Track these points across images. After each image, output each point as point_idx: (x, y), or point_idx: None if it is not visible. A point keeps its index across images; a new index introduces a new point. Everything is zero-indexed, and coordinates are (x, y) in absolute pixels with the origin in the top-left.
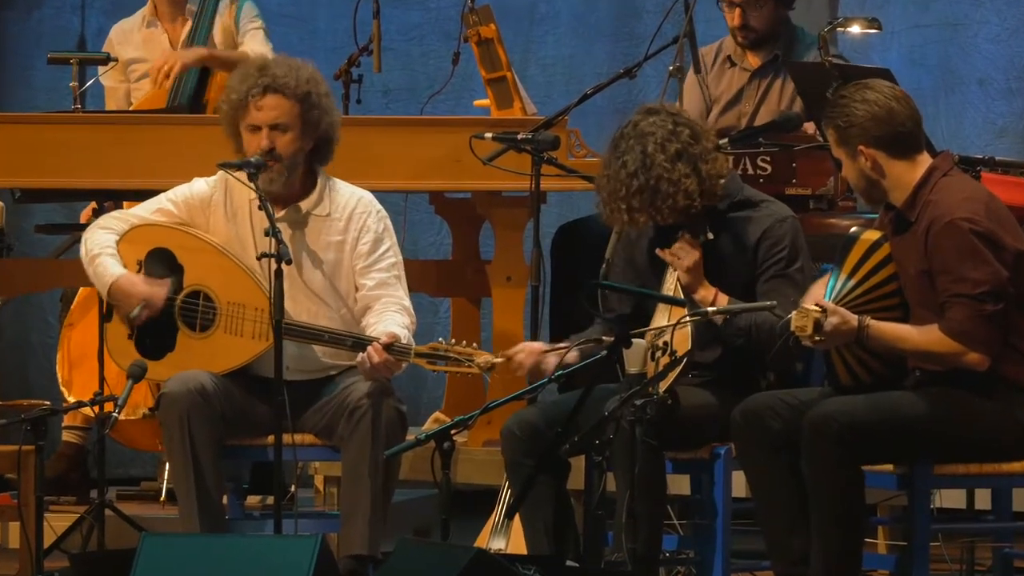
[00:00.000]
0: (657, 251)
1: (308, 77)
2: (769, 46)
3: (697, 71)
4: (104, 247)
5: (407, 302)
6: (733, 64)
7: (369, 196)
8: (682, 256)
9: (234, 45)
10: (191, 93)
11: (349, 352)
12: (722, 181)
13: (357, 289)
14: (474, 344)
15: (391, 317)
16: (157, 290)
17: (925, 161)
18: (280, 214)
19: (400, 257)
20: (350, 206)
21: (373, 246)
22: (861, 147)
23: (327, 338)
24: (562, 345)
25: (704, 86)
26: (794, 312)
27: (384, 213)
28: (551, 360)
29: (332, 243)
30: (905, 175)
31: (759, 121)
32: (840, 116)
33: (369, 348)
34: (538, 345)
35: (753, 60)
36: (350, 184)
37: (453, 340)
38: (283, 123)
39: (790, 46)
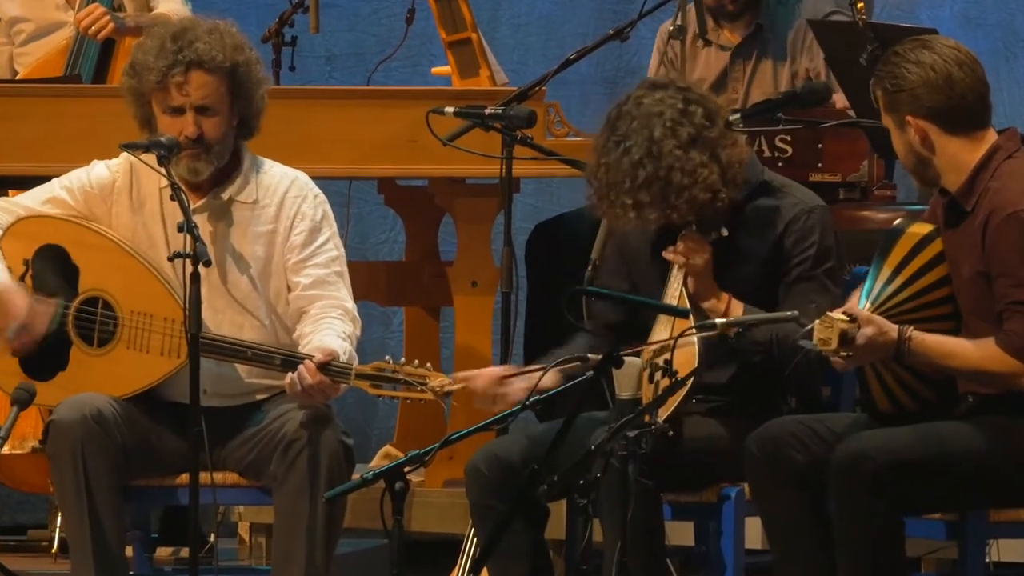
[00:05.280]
0: (664, 253)
1: (234, 44)
2: (748, 15)
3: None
4: None
5: (350, 304)
6: (708, 43)
7: (304, 177)
8: (690, 257)
9: (145, 3)
10: (94, 61)
11: (279, 372)
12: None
13: (290, 289)
14: (428, 364)
15: (330, 325)
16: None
17: (988, 140)
18: (198, 203)
19: (342, 250)
20: (281, 189)
21: (309, 236)
22: (909, 117)
23: (251, 355)
24: (532, 368)
25: (676, 64)
26: (816, 321)
27: (323, 198)
28: (517, 386)
29: (261, 234)
30: (961, 155)
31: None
32: (889, 77)
33: (300, 367)
34: (498, 370)
35: (730, 36)
36: (280, 164)
37: (403, 359)
38: (211, 104)
39: (771, 13)
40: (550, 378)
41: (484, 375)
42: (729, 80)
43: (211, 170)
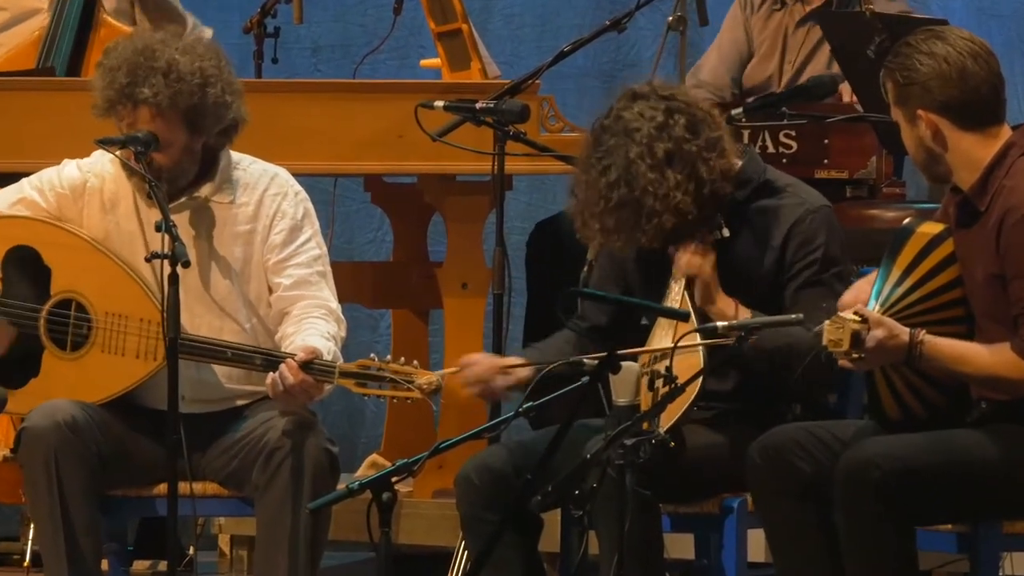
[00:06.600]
0: (670, 250)
1: (192, 84)
2: None
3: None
4: None
5: (334, 304)
6: (784, 5)
7: (284, 174)
8: (699, 261)
9: None
10: (67, 53)
11: (260, 374)
12: (737, 168)
13: (271, 290)
14: (415, 362)
15: (313, 325)
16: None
17: (1002, 136)
18: (174, 204)
19: (324, 249)
20: (260, 186)
21: (290, 235)
22: (921, 111)
23: (231, 355)
24: (522, 362)
25: (748, 30)
26: (827, 322)
27: (304, 195)
28: (503, 382)
29: (240, 234)
30: (975, 151)
31: (805, 79)
32: (900, 69)
33: (282, 367)
34: (498, 359)
35: (803, 7)
36: (261, 161)
37: (389, 357)
38: (160, 138)
39: None
40: (525, 372)
41: (483, 362)
42: (788, 47)
43: (162, 192)
